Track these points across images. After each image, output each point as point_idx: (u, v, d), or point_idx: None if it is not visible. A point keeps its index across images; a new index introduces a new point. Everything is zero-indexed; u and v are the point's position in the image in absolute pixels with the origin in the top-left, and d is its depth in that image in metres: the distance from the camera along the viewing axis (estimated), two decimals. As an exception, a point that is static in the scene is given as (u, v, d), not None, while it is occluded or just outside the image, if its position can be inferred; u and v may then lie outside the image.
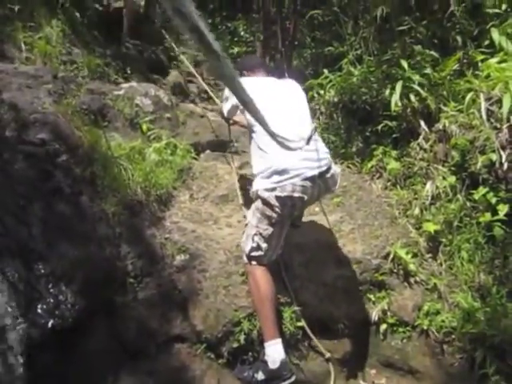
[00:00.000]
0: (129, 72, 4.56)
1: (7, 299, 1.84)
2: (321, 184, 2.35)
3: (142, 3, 6.12)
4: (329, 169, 2.38)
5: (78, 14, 4.86)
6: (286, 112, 2.43)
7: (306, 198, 2.30)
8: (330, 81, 3.96)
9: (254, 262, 2.40)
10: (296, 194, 2.26)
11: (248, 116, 2.38)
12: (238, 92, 1.14)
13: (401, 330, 2.71)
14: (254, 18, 5.59)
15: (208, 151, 3.83)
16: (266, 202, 2.31)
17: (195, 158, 3.68)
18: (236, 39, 5.44)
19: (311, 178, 2.28)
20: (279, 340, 2.27)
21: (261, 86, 2.52)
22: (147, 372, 2.28)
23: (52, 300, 1.97)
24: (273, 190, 2.28)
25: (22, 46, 4.10)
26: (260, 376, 2.28)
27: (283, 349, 2.27)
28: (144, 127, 3.53)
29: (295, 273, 2.66)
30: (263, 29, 4.90)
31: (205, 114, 4.17)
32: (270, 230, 2.36)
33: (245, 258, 2.45)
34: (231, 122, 3.22)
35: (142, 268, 2.55)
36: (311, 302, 2.61)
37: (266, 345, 2.27)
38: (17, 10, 4.24)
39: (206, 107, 4.46)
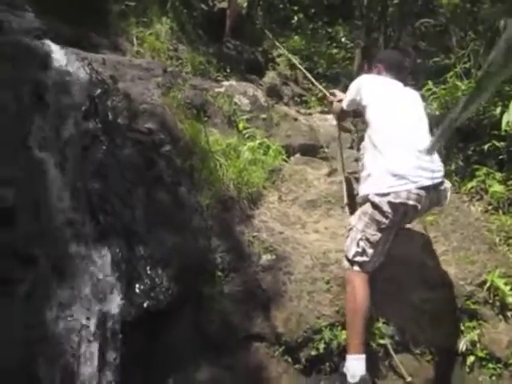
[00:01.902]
0: (228, 71, 4.69)
1: (112, 275, 1.95)
2: (433, 196, 2.30)
3: (245, 5, 6.29)
4: (442, 182, 2.34)
5: (185, 13, 5.09)
6: (410, 118, 2.45)
7: (419, 207, 2.26)
8: (434, 93, 3.79)
9: (356, 268, 2.34)
10: (411, 202, 2.23)
11: (369, 112, 2.46)
12: None
13: (491, 365, 2.53)
14: (356, 24, 5.51)
15: (298, 154, 3.83)
16: (376, 207, 2.28)
17: (286, 161, 3.70)
18: (335, 44, 5.39)
19: (426, 188, 2.24)
20: (363, 356, 2.20)
21: (389, 87, 2.58)
22: (225, 366, 2.31)
23: (149, 282, 2.07)
24: (386, 195, 2.24)
25: (134, 40, 4.37)
26: None
27: (365, 366, 2.19)
28: (240, 125, 3.61)
29: (380, 288, 2.56)
30: (365, 35, 4.81)
31: (298, 118, 4.17)
32: (378, 235, 2.31)
33: (346, 263, 2.39)
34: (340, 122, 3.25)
35: (229, 262, 2.59)
36: (395, 321, 2.51)
37: (349, 357, 2.21)
38: (133, 6, 4.53)
39: (299, 111, 4.46)
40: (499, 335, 2.58)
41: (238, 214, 2.91)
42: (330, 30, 5.62)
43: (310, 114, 4.49)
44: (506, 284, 2.66)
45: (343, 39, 5.32)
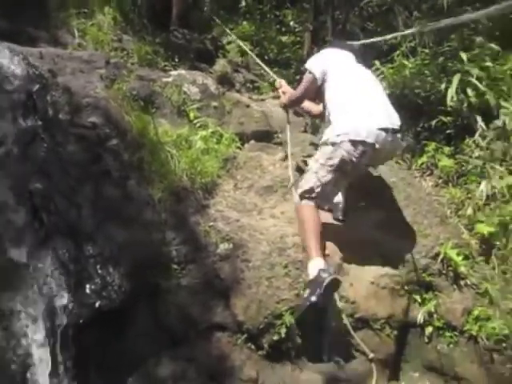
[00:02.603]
0: (177, 60, 4.57)
1: (58, 277, 1.87)
2: (391, 140, 2.53)
3: (192, -8, 6.14)
4: (399, 131, 2.60)
5: (129, 2, 4.92)
6: (368, 80, 2.83)
7: (377, 146, 2.47)
8: (382, 73, 3.83)
9: (304, 201, 2.59)
10: (369, 140, 2.46)
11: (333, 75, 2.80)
12: None
13: (448, 334, 2.61)
14: (304, 7, 5.49)
15: (253, 141, 3.78)
16: (336, 146, 2.53)
17: (240, 148, 3.65)
18: (284, 29, 5.36)
19: (385, 130, 2.49)
20: (320, 258, 2.40)
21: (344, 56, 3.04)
22: (187, 358, 2.28)
23: (100, 281, 2.00)
24: (347, 134, 2.51)
25: (75, 32, 4.19)
26: (307, 292, 2.37)
27: (324, 263, 2.39)
28: (191, 115, 3.53)
29: (338, 267, 2.60)
30: (313, 18, 4.80)
31: (250, 104, 4.13)
32: (329, 176, 2.55)
33: (297, 198, 2.65)
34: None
35: (185, 255, 2.55)
36: (354, 299, 2.54)
37: (309, 264, 2.42)
38: (70, -3, 4.34)
39: (251, 97, 4.41)
40: (454, 304, 2.66)
41: (192, 204, 2.85)
42: (278, 13, 5.57)
43: (262, 99, 4.43)
44: (458, 254, 2.74)
45: (291, 23, 5.29)
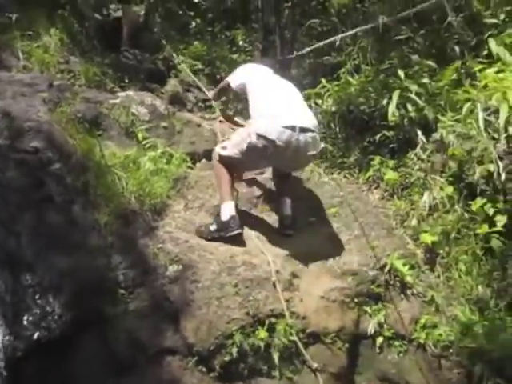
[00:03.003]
0: (126, 81, 4.55)
1: (-8, 310, 1.80)
2: (298, 139, 2.73)
3: (142, 12, 6.15)
4: (313, 131, 2.81)
5: (76, 24, 4.88)
6: (285, 89, 3.13)
7: (278, 142, 2.69)
8: (328, 90, 3.94)
9: (225, 162, 2.92)
10: (270, 137, 2.70)
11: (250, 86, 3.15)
12: None
13: (397, 343, 2.66)
14: (254, 27, 5.60)
15: (204, 160, 3.79)
16: (248, 134, 2.82)
17: (191, 167, 3.65)
18: (235, 48, 5.44)
19: (291, 127, 2.71)
20: (231, 202, 2.82)
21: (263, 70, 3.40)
22: (137, 385, 2.23)
23: (39, 311, 1.94)
24: (257, 129, 2.78)
25: (20, 54, 4.12)
26: (213, 227, 2.83)
27: (234, 209, 2.80)
28: (140, 136, 3.51)
29: (288, 284, 2.61)
30: (262, 38, 4.90)
31: (201, 124, 4.14)
32: (238, 155, 2.86)
33: (216, 156, 2.97)
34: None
35: (133, 278, 2.50)
36: (305, 315, 2.55)
37: (222, 206, 2.82)
38: (15, 18, 4.25)
39: (203, 116, 4.43)
40: (402, 314, 2.71)
41: (141, 227, 2.82)
42: (228, 33, 5.66)
43: (214, 118, 4.46)
44: (404, 265, 2.82)
45: (241, 43, 5.38)
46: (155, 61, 5.29)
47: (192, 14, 5.81)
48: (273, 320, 2.47)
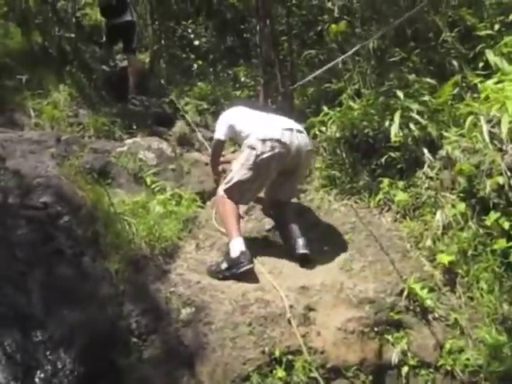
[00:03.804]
0: (134, 127, 4.69)
1: (2, 370, 1.81)
2: (298, 137, 3.07)
3: (148, 60, 6.38)
4: (303, 132, 3.17)
5: (84, 77, 5.09)
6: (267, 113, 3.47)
7: (283, 140, 2.96)
8: (331, 117, 3.95)
9: (226, 196, 3.01)
10: (276, 136, 2.96)
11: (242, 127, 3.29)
12: None
13: (424, 371, 2.54)
14: (254, 63, 5.72)
15: (213, 198, 3.81)
16: (251, 147, 2.99)
17: (201, 207, 3.68)
18: (238, 85, 5.55)
19: (290, 129, 3.05)
20: (240, 238, 2.84)
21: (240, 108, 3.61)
22: None
23: (50, 367, 1.94)
24: (258, 137, 3.01)
25: (31, 112, 4.31)
26: (224, 265, 2.81)
27: (244, 245, 2.81)
28: (148, 180, 3.57)
29: (303, 318, 2.55)
30: (263, 72, 4.99)
31: (209, 162, 4.19)
32: (248, 174, 2.97)
33: (220, 192, 3.06)
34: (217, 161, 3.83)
35: (146, 325, 2.48)
36: (323, 349, 2.48)
37: (231, 243, 2.84)
38: (25, 79, 4.46)
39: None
40: (425, 340, 2.61)
41: (152, 271, 2.82)
42: (230, 71, 5.80)
43: (223, 155, 4.52)
44: (422, 288, 2.73)
45: (243, 79, 5.50)
46: (162, 105, 5.45)
47: (194, 56, 5.99)
48: (290, 357, 2.40)
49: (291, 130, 3.04)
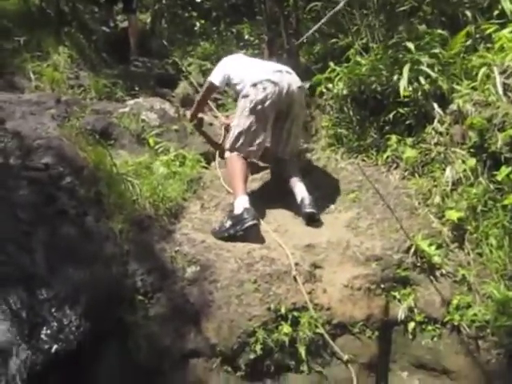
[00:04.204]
0: (137, 89, 4.58)
1: (9, 327, 1.82)
2: (287, 77, 3.15)
3: (149, 20, 6.20)
4: (291, 73, 3.24)
5: (84, 39, 4.95)
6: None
7: (273, 79, 3.06)
8: (338, 74, 3.82)
9: (234, 153, 3.08)
10: (266, 77, 3.07)
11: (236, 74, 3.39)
12: None
13: (430, 327, 2.54)
14: (258, 20, 5.53)
15: (219, 159, 3.76)
16: (246, 96, 3.10)
17: (206, 167, 3.64)
18: (242, 43, 5.38)
19: (279, 70, 3.17)
20: (245, 196, 2.87)
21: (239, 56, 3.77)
22: (163, 391, 2.22)
23: (56, 324, 1.94)
24: (249, 83, 3.12)
25: (31, 75, 4.20)
26: (228, 223, 2.81)
27: (248, 202, 2.84)
28: (151, 141, 3.51)
29: (308, 275, 2.54)
30: (267, 29, 4.82)
31: (212, 122, 4.12)
32: (248, 121, 3.05)
33: (227, 153, 3.13)
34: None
35: (152, 284, 2.49)
36: (329, 306, 2.47)
37: (235, 201, 2.87)
38: (23, 41, 4.35)
39: (215, 115, 4.40)
40: (432, 296, 2.59)
41: (157, 231, 2.81)
42: (234, 30, 5.61)
43: (227, 116, 4.42)
44: (430, 245, 2.69)
45: (247, 37, 5.32)
46: (164, 66, 5.32)
47: (196, 15, 5.80)
48: (296, 314, 2.40)
49: (280, 71, 3.16)
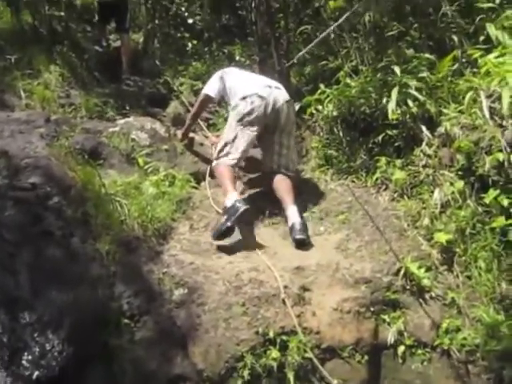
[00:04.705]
0: (127, 108, 4.59)
1: (-11, 353, 1.77)
2: (276, 92, 3.35)
3: (141, 40, 6.25)
4: (280, 88, 3.46)
5: (76, 58, 4.97)
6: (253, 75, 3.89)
7: (260, 93, 3.27)
8: (328, 95, 3.86)
9: (220, 161, 3.26)
10: (253, 92, 3.29)
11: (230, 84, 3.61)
12: None
13: (420, 351, 2.51)
14: (250, 41, 5.60)
15: (209, 179, 3.75)
16: (235, 108, 3.34)
17: (196, 187, 3.62)
18: (233, 64, 5.43)
19: (269, 86, 3.39)
20: (234, 192, 3.04)
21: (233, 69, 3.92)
22: (148, 418, 2.16)
23: (38, 349, 1.89)
24: (239, 97, 3.35)
25: (22, 93, 4.20)
26: (224, 218, 2.93)
27: (238, 195, 3.02)
28: (140, 161, 3.50)
29: (297, 298, 2.51)
30: (258, 50, 4.88)
31: (203, 142, 4.12)
32: (234, 132, 3.26)
33: (214, 162, 3.34)
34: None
35: (139, 306, 2.45)
36: (318, 329, 2.45)
37: (226, 198, 3.01)
38: (14, 59, 4.35)
39: (205, 135, 4.40)
40: (422, 319, 2.58)
41: (144, 253, 2.78)
42: (226, 50, 5.68)
43: (217, 136, 4.43)
44: (419, 267, 2.68)
45: (238, 57, 5.38)
46: (156, 85, 5.34)
47: (188, 35, 5.86)
48: (284, 338, 2.37)
49: (270, 86, 3.37)
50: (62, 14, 5.17)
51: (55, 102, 4.20)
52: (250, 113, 3.24)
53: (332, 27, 3.42)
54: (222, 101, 4.04)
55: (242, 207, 2.87)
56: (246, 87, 3.39)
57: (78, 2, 6.08)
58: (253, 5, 5.10)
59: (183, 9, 6.07)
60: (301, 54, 3.92)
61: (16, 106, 4.12)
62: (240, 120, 3.26)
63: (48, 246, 2.40)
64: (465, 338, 2.44)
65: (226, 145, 3.27)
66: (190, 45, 5.80)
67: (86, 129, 3.56)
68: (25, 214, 2.50)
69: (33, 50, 4.68)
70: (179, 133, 4.07)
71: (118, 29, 5.63)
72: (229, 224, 2.87)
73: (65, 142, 3.20)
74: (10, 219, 2.43)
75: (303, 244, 2.96)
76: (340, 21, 3.35)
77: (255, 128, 3.28)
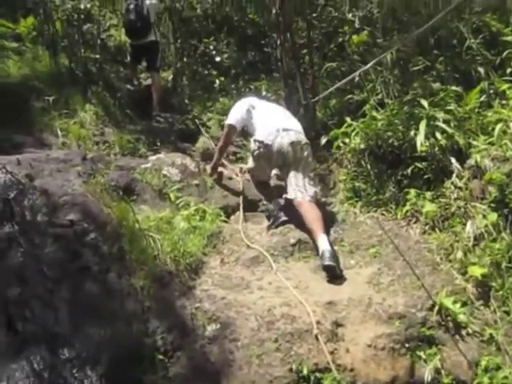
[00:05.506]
0: (158, 144, 4.74)
1: (31, 389, 1.82)
2: (284, 136, 3.56)
3: (170, 77, 6.49)
4: (300, 133, 3.70)
5: (109, 97, 5.20)
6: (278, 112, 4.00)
7: (266, 142, 3.58)
8: (354, 128, 3.90)
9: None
10: (261, 138, 3.62)
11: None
12: None
13: (458, 390, 2.44)
14: (276, 76, 5.74)
15: (238, 212, 3.80)
16: (255, 140, 3.71)
17: (226, 221, 3.67)
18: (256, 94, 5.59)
19: (287, 129, 3.62)
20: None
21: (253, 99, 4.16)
22: None
23: (77, 386, 1.93)
24: (255, 141, 3.72)
25: (59, 132, 4.41)
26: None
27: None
28: (172, 196, 3.58)
29: (330, 334, 2.49)
30: (284, 85, 5.00)
31: (232, 176, 4.20)
32: (254, 163, 3.91)
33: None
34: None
35: (172, 342, 2.47)
36: (352, 366, 2.41)
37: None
38: (52, 100, 4.59)
39: (233, 169, 4.48)
40: (459, 357, 2.50)
41: (177, 287, 2.82)
42: (252, 86, 5.84)
43: (241, 168, 4.49)
44: (454, 302, 2.63)
45: (264, 93, 5.52)
46: (185, 121, 5.51)
47: (216, 72, 6.06)
48: (318, 375, 2.34)
49: (278, 130, 3.59)
50: (97, 56, 5.43)
51: (90, 139, 4.39)
52: (258, 156, 3.70)
53: (359, 72, 3.50)
54: (245, 130, 4.18)
55: (281, 218, 3.50)
56: (259, 130, 3.74)
57: (112, 44, 6.38)
58: (278, 42, 5.24)
59: (211, 47, 6.30)
60: (327, 92, 4.00)
61: (53, 144, 4.33)
62: (256, 155, 3.74)
63: (86, 282, 2.47)
64: (506, 377, 2.36)
65: (252, 169, 4.00)
66: (217, 81, 5.98)
67: (120, 166, 3.68)
68: (63, 251, 2.59)
69: (69, 91, 4.93)
70: (208, 167, 4.16)
71: (149, 68, 5.88)
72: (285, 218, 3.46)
73: (100, 179, 3.32)
74: (51, 256, 2.52)
75: (333, 272, 2.93)
76: (368, 66, 3.43)
77: (268, 164, 3.75)
